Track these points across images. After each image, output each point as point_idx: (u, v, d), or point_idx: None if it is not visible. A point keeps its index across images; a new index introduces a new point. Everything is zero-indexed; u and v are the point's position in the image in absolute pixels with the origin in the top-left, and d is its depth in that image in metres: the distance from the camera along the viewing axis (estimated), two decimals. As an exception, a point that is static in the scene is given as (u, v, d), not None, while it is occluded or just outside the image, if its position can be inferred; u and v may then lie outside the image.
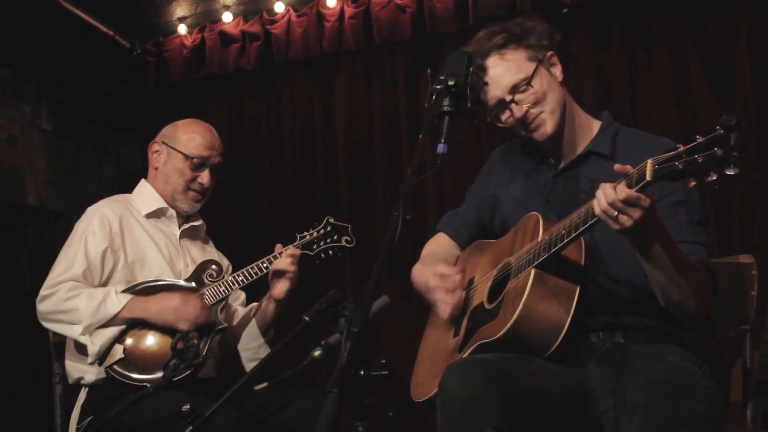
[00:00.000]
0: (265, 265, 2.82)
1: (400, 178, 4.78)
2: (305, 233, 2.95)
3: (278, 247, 2.88)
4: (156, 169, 2.94)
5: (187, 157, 2.88)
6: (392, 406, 2.44)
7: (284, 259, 2.79)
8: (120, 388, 2.55)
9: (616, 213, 1.82)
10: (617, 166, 1.85)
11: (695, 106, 4.24)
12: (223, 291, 2.77)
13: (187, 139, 2.90)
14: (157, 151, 2.95)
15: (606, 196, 1.82)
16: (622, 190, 1.80)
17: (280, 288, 2.81)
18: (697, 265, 2.03)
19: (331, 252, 2.97)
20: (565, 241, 1.99)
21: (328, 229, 2.98)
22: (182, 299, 2.65)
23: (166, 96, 5.42)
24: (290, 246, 2.88)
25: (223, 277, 2.81)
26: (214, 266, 2.85)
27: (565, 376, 2.07)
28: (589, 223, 1.92)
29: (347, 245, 2.99)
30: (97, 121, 6.11)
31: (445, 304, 2.29)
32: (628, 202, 1.80)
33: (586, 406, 2.07)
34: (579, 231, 1.96)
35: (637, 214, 1.81)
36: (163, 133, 2.97)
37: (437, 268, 2.33)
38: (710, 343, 2.26)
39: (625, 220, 1.82)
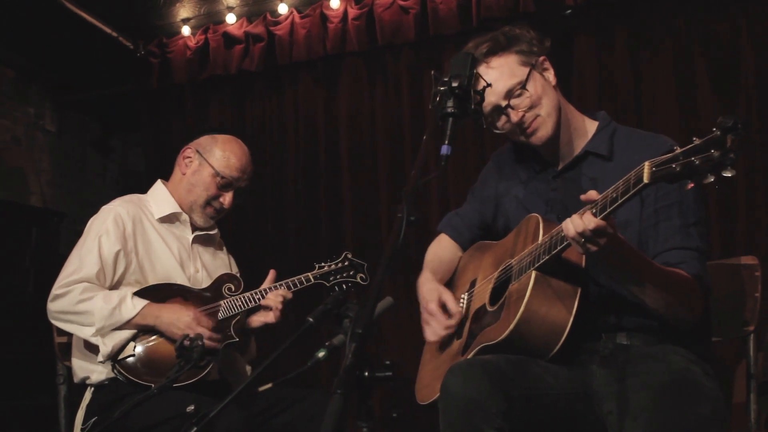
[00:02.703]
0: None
1: (403, 179, 4.79)
2: (323, 264, 3.02)
3: (271, 273, 2.90)
4: (183, 174, 2.92)
5: (217, 173, 2.85)
6: (396, 407, 2.44)
7: (276, 298, 2.80)
8: (125, 388, 2.56)
9: (583, 240, 1.87)
10: (583, 196, 1.91)
11: (699, 106, 4.23)
12: (240, 306, 2.79)
13: (223, 156, 2.88)
14: (189, 157, 2.92)
15: (575, 225, 1.88)
16: (591, 221, 1.84)
17: (258, 319, 2.83)
18: (679, 275, 2.04)
19: (344, 286, 3.03)
20: (566, 243, 1.99)
21: (346, 264, 3.04)
22: (195, 317, 2.65)
23: (170, 97, 5.44)
24: (301, 277, 2.92)
25: (242, 292, 2.83)
26: (234, 281, 2.88)
27: (568, 378, 2.08)
28: None
29: (361, 282, 3.05)
30: (101, 122, 6.12)
31: (433, 333, 2.32)
32: (596, 232, 1.85)
33: (589, 408, 2.07)
34: None
35: (602, 241, 1.87)
36: (200, 142, 2.93)
37: (445, 296, 2.34)
38: (712, 344, 2.26)
39: (591, 246, 1.88)
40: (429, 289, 2.41)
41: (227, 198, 2.89)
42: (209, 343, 2.58)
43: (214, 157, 2.88)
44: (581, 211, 1.89)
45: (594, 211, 1.86)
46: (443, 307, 2.32)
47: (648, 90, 4.37)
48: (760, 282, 2.43)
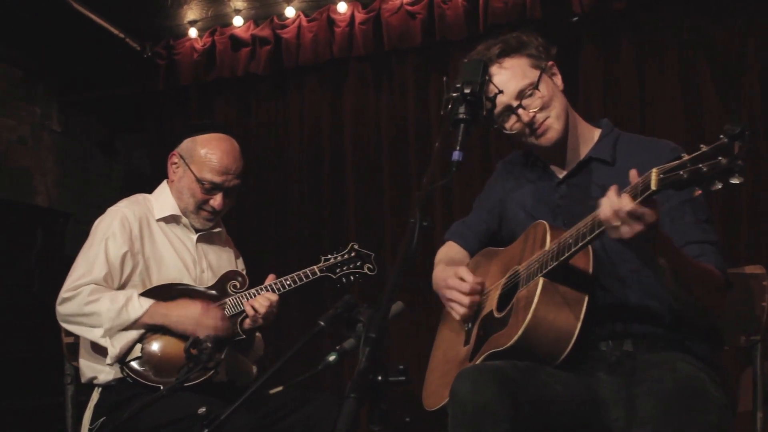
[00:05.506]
0: (288, 282, 2.83)
1: (408, 184, 4.81)
2: (329, 256, 2.97)
3: (271, 277, 2.85)
4: (172, 181, 2.89)
5: (198, 180, 2.79)
6: (402, 411, 2.44)
7: (261, 300, 2.74)
8: (133, 389, 2.56)
9: (618, 223, 1.82)
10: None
11: (704, 114, 4.25)
12: (245, 303, 2.77)
13: (203, 160, 2.79)
14: (175, 163, 2.88)
15: (611, 204, 1.82)
16: (628, 203, 1.79)
17: (247, 322, 2.76)
18: (706, 267, 2.05)
19: (352, 278, 2.98)
20: (573, 250, 1.99)
21: (352, 254, 3.00)
22: (203, 308, 2.66)
23: (176, 99, 5.46)
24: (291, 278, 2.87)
25: (247, 289, 2.81)
26: (239, 278, 2.86)
27: (575, 385, 2.08)
28: (596, 231, 1.92)
29: (369, 273, 3.01)
30: (107, 123, 6.13)
31: (460, 305, 2.33)
32: (632, 215, 1.79)
33: (596, 415, 2.07)
34: (586, 240, 1.96)
35: (638, 227, 1.81)
36: (183, 147, 2.86)
37: (459, 270, 2.35)
38: (720, 353, 2.26)
39: (626, 232, 1.82)
40: (443, 270, 2.44)
41: (217, 200, 2.81)
42: (219, 334, 2.57)
43: (195, 162, 2.80)
44: (622, 191, 1.83)
45: (633, 193, 1.80)
46: (461, 280, 2.33)
47: (653, 97, 4.38)
48: (767, 291, 2.44)
